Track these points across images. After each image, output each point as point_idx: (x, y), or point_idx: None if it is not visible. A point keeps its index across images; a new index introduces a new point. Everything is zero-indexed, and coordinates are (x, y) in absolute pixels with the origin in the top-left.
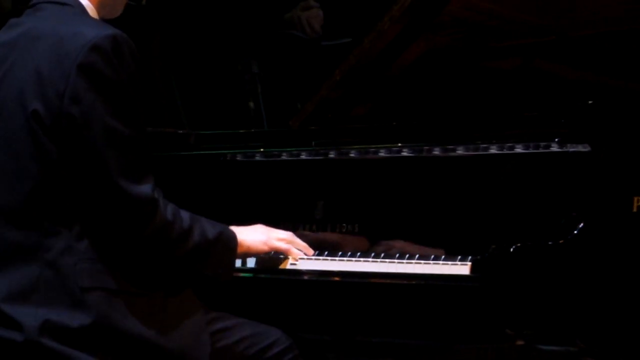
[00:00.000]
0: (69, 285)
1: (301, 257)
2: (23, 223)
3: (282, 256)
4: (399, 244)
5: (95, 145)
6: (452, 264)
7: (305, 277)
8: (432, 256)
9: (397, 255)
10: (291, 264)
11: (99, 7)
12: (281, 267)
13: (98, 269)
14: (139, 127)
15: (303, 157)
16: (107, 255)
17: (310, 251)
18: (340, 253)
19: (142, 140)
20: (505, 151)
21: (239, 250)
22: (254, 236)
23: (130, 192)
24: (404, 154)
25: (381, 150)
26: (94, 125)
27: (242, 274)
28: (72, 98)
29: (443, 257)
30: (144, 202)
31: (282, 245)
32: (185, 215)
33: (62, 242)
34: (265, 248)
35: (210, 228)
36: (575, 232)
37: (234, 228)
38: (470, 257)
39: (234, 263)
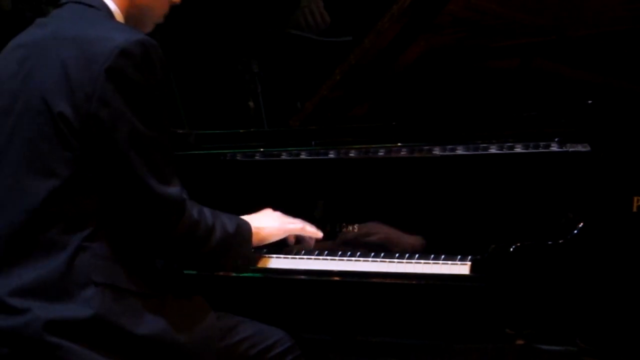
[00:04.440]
0: (81, 280)
1: (301, 257)
2: (42, 221)
3: (282, 256)
4: (398, 243)
5: (123, 148)
6: (451, 264)
7: (305, 277)
8: (432, 256)
9: (397, 255)
10: (291, 263)
11: (126, 19)
12: (281, 266)
13: (110, 267)
14: (165, 130)
15: (303, 156)
16: (121, 254)
17: (320, 234)
18: (340, 253)
19: (168, 144)
20: (505, 151)
21: (255, 239)
22: (267, 223)
23: (161, 193)
24: (404, 153)
25: (381, 150)
26: (122, 128)
27: (242, 274)
28: (101, 101)
29: (443, 256)
30: (174, 203)
31: (295, 227)
32: (207, 212)
33: (77, 241)
34: (279, 234)
35: (228, 222)
36: (575, 231)
37: (247, 217)
38: (470, 257)
39: (251, 252)
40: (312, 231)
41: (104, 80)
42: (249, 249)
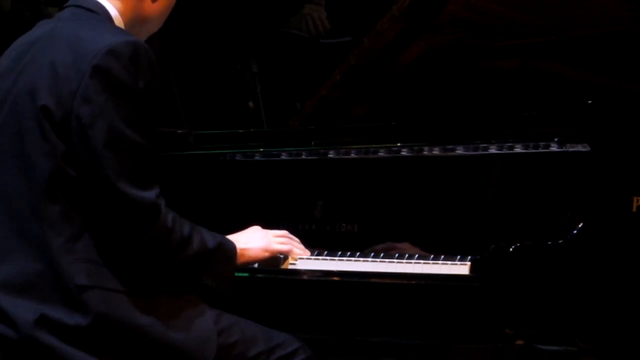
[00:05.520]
0: (65, 283)
1: (301, 257)
2: (28, 217)
3: (282, 256)
4: (398, 243)
5: (98, 145)
6: (451, 264)
7: (305, 277)
8: (432, 256)
9: (397, 255)
10: (291, 264)
11: (127, 26)
12: (281, 267)
13: (95, 269)
14: (149, 135)
15: (303, 156)
16: (106, 257)
17: (307, 252)
18: (339, 253)
19: (151, 149)
20: (504, 151)
21: (240, 260)
22: (254, 244)
23: (131, 197)
24: (404, 153)
25: (381, 150)
26: (101, 126)
27: (241, 274)
28: (84, 98)
29: (442, 257)
30: (145, 208)
31: (283, 248)
32: (185, 224)
33: (62, 239)
34: (266, 255)
35: (210, 238)
36: (575, 232)
37: (233, 237)
38: (469, 257)
39: (233, 273)
40: (299, 252)
41: (89, 77)
42: (231, 270)
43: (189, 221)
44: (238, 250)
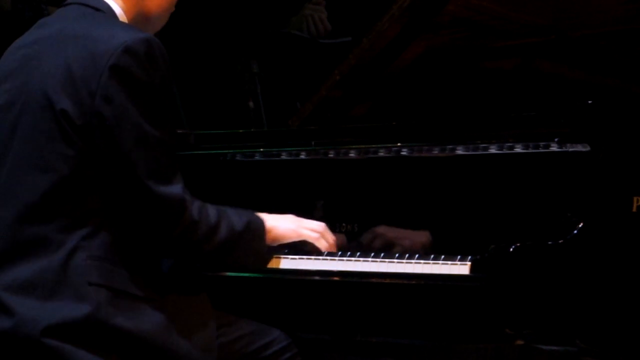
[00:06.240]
0: (75, 280)
1: (301, 257)
2: (39, 218)
3: (282, 255)
4: (398, 243)
5: (125, 145)
6: (451, 264)
7: (305, 277)
8: (432, 256)
9: (397, 255)
10: (291, 262)
11: (131, 24)
12: (281, 266)
13: (107, 268)
14: (167, 128)
15: (303, 156)
16: (119, 257)
17: (334, 249)
18: (339, 253)
19: (171, 142)
20: (504, 151)
21: (269, 235)
22: (283, 223)
23: (160, 193)
24: (404, 153)
25: (381, 150)
26: (125, 126)
27: (243, 274)
28: (104, 98)
29: (442, 256)
30: (173, 203)
31: (311, 235)
32: (212, 211)
33: (74, 240)
34: (294, 235)
35: (237, 219)
36: (575, 232)
37: (263, 215)
38: (469, 257)
39: (264, 250)
40: (325, 245)
41: (108, 77)
42: (262, 246)
43: (216, 206)
44: (267, 227)
